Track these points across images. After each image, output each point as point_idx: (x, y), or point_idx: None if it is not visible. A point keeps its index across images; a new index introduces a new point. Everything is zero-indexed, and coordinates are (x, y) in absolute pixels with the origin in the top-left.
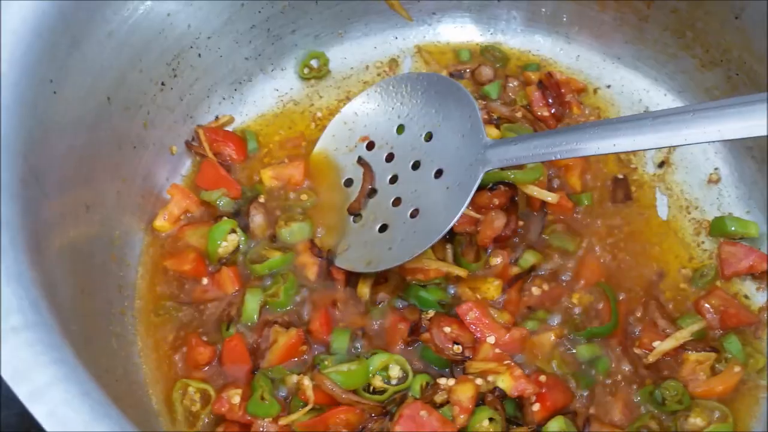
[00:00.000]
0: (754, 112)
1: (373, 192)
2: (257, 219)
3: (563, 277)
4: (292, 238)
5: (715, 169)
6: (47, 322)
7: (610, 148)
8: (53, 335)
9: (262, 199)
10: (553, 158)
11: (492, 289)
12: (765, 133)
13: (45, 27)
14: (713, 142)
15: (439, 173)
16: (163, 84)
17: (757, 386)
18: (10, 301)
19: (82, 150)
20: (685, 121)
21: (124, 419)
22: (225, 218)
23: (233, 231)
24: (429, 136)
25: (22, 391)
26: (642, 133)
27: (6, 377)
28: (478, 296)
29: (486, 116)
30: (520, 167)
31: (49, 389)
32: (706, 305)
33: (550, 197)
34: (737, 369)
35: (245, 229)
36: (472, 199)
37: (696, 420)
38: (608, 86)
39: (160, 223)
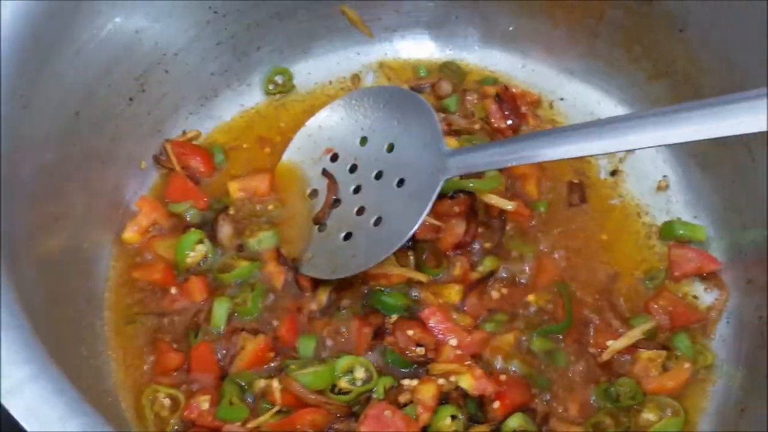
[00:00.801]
0: (693, 118)
1: (337, 202)
2: (225, 229)
3: (521, 280)
4: (259, 247)
5: (664, 176)
6: (22, 324)
7: (562, 154)
8: (28, 335)
9: (230, 211)
10: (509, 165)
11: (453, 293)
12: (702, 137)
13: (16, 43)
14: (657, 146)
15: (401, 182)
16: (131, 99)
17: (706, 381)
18: None
19: (52, 163)
20: (631, 127)
21: (98, 415)
22: (193, 229)
23: (200, 241)
24: (391, 147)
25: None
26: (590, 140)
27: None
28: (440, 301)
29: (446, 128)
30: (479, 176)
31: (25, 386)
32: (656, 306)
33: (509, 206)
34: (687, 365)
35: (213, 239)
36: (433, 207)
37: (649, 415)
38: (562, 99)
39: (129, 234)
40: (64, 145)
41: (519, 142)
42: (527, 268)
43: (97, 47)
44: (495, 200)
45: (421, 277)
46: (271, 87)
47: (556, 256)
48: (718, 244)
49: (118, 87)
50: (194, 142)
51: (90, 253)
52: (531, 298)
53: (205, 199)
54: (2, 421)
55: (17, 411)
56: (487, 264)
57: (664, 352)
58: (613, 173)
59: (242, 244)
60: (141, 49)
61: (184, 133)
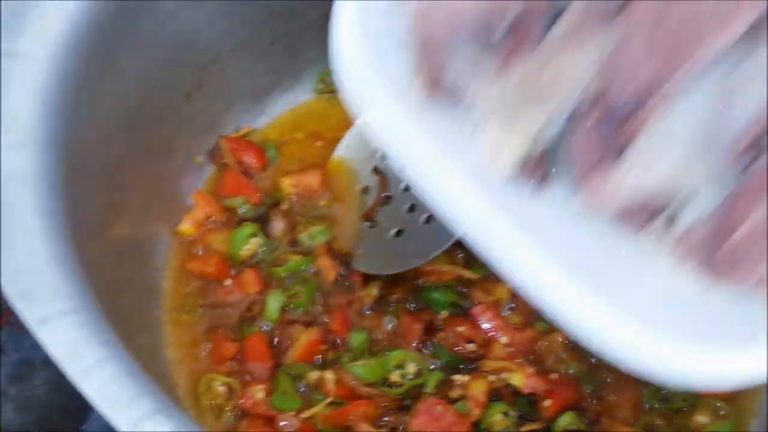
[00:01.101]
0: None
1: (388, 199)
2: (277, 224)
3: None
4: (311, 242)
5: None
6: (93, 307)
7: None
8: (99, 319)
9: (283, 206)
10: None
11: (503, 291)
12: None
13: (84, 40)
14: None
15: None
16: (188, 95)
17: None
18: (58, 286)
19: (115, 155)
20: None
21: (164, 397)
22: (246, 223)
23: (254, 235)
24: None
25: (74, 370)
26: None
27: (58, 357)
28: (490, 298)
29: None
30: None
31: (97, 368)
32: None
33: None
34: None
35: (266, 233)
36: None
37: (701, 417)
38: None
39: (185, 227)
40: (127, 138)
41: None
42: None
43: (159, 44)
44: None
45: (471, 274)
46: (322, 86)
47: None
48: None
49: (176, 83)
50: (247, 138)
51: (148, 244)
52: None
53: (258, 195)
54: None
55: (91, 392)
56: None
57: None
58: None
59: (295, 238)
60: (199, 46)
61: (236, 129)
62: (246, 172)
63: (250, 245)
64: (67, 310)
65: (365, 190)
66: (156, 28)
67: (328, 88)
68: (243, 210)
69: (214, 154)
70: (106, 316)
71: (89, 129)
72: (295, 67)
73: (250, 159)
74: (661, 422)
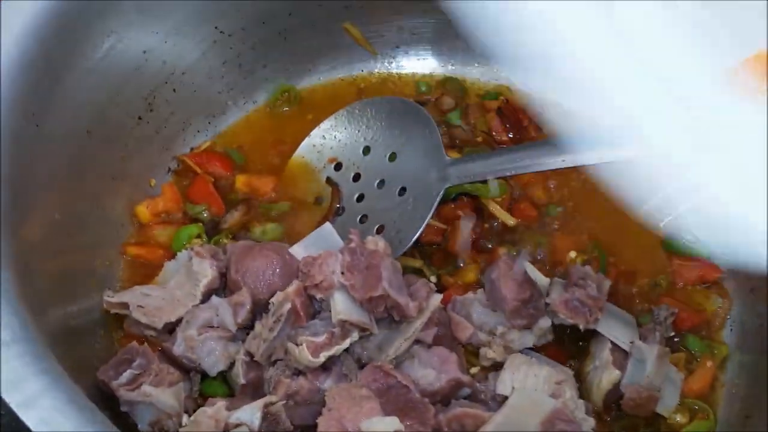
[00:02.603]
0: None
1: (341, 210)
2: (235, 214)
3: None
4: (263, 237)
5: None
6: (34, 337)
7: (560, 163)
8: (40, 347)
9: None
10: (509, 174)
11: (470, 273)
12: None
13: (27, 62)
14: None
15: (403, 191)
16: (140, 118)
17: (733, 384)
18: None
19: (64, 181)
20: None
21: (110, 425)
22: (196, 224)
23: (198, 236)
24: (393, 157)
25: (14, 400)
26: (589, 149)
27: None
28: (459, 282)
29: (448, 141)
30: (483, 182)
31: (39, 397)
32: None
33: (511, 221)
34: (709, 364)
35: (213, 233)
36: (438, 211)
37: (678, 417)
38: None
39: (142, 209)
40: (77, 163)
41: (518, 151)
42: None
43: (107, 66)
44: (498, 213)
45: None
46: (277, 103)
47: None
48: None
49: (127, 106)
50: (209, 150)
51: (100, 266)
52: (572, 254)
53: (222, 207)
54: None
55: (32, 421)
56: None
57: (683, 354)
58: None
59: (247, 229)
60: (149, 68)
61: (194, 148)
62: (216, 182)
63: (193, 245)
64: (8, 341)
65: (318, 201)
66: (104, 51)
67: (284, 105)
68: (203, 216)
69: (179, 173)
70: (51, 342)
71: (36, 155)
72: (249, 85)
73: (217, 168)
74: (640, 422)
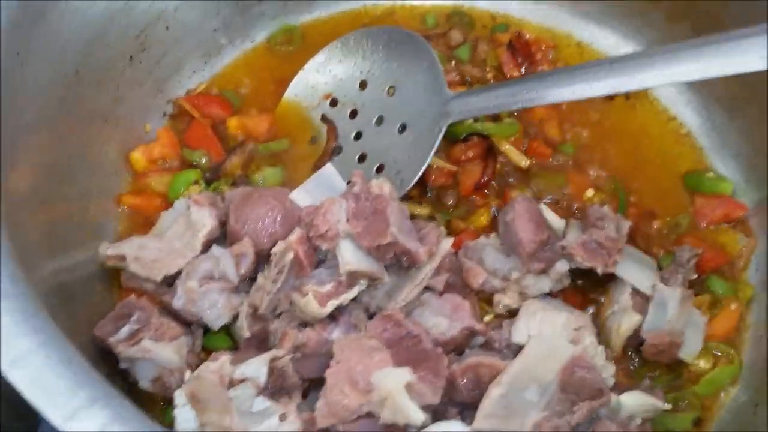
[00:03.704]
0: (703, 54)
1: (338, 149)
2: (234, 159)
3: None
4: (263, 183)
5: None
6: (25, 293)
7: (569, 95)
8: (32, 304)
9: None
10: (514, 107)
11: (482, 217)
12: (712, 75)
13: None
14: (672, 84)
15: (403, 128)
16: (131, 58)
17: (759, 326)
18: None
19: (53, 123)
20: (641, 64)
21: (107, 384)
22: (193, 169)
23: (196, 182)
24: (392, 91)
25: (2, 359)
26: (599, 79)
27: None
28: (471, 226)
29: (458, 78)
30: (494, 120)
31: (29, 356)
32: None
33: (524, 162)
34: (734, 306)
35: (218, 174)
36: (447, 152)
37: (701, 362)
38: (578, 44)
39: (137, 156)
40: (65, 105)
41: (524, 83)
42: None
43: (94, 3)
44: (511, 153)
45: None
46: (276, 42)
47: (589, 172)
48: (745, 189)
49: (117, 45)
50: (206, 92)
51: (95, 217)
52: (590, 192)
53: (222, 152)
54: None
55: (21, 381)
56: (516, 194)
57: (707, 297)
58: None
59: (246, 176)
60: (138, 5)
61: (190, 91)
62: (214, 126)
63: (191, 192)
64: None
65: (314, 140)
66: None
67: (283, 45)
68: (201, 162)
69: (175, 117)
70: (45, 298)
71: (22, 97)
72: (245, 23)
73: (216, 110)
74: (663, 368)
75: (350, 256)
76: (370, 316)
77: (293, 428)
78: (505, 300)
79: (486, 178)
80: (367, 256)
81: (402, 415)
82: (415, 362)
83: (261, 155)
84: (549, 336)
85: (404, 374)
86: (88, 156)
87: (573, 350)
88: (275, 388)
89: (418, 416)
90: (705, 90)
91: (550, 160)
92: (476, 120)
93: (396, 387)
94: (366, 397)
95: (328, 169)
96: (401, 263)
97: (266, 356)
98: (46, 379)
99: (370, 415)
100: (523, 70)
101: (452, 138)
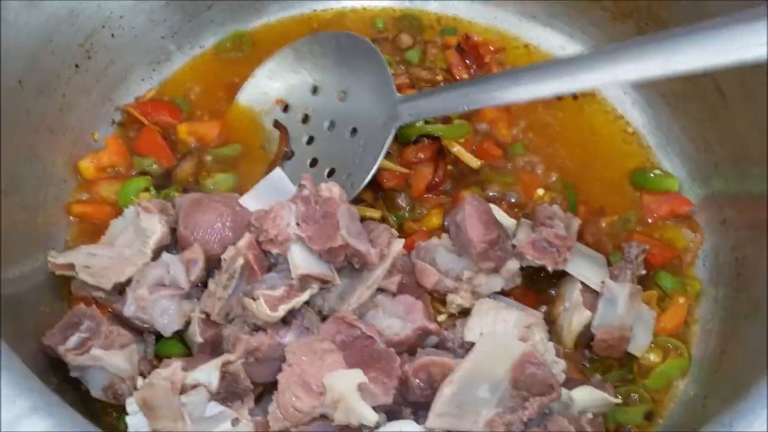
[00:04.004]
0: (646, 53)
1: (290, 154)
2: (186, 165)
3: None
4: (215, 188)
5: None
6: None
7: (514, 96)
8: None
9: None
10: (461, 109)
11: (434, 218)
12: (655, 75)
13: None
14: (618, 84)
15: (354, 131)
16: (77, 66)
17: (707, 319)
18: None
19: None
20: (584, 65)
21: (48, 392)
22: (143, 176)
23: (147, 189)
24: (343, 96)
25: None
26: (544, 81)
27: None
28: (424, 228)
29: (408, 81)
30: (445, 122)
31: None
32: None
33: (474, 163)
34: (681, 300)
35: (170, 180)
36: (399, 154)
37: (651, 356)
38: (525, 45)
39: (86, 165)
40: (9, 115)
41: (471, 85)
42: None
43: (37, 12)
44: (462, 155)
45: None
46: (225, 48)
47: (539, 171)
48: (690, 186)
49: (62, 53)
50: (156, 99)
51: (44, 226)
52: (540, 192)
53: (172, 158)
54: None
55: None
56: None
57: (655, 292)
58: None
59: (198, 182)
60: (83, 12)
61: (139, 97)
62: (164, 133)
63: (141, 199)
64: None
65: (265, 145)
66: None
67: (233, 51)
68: (152, 169)
69: (124, 124)
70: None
71: None
72: (194, 29)
73: (165, 117)
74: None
75: (301, 260)
76: (323, 319)
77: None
78: (457, 300)
79: (437, 180)
80: (318, 259)
81: (355, 415)
82: (368, 363)
83: (212, 161)
84: (499, 334)
85: (356, 375)
86: (36, 165)
87: (523, 347)
88: (228, 393)
89: (371, 417)
90: (650, 89)
91: (502, 160)
92: (427, 122)
93: (348, 388)
94: (318, 399)
95: (277, 173)
96: (353, 265)
97: (218, 361)
98: None
99: (324, 417)
100: (472, 72)
101: (404, 140)
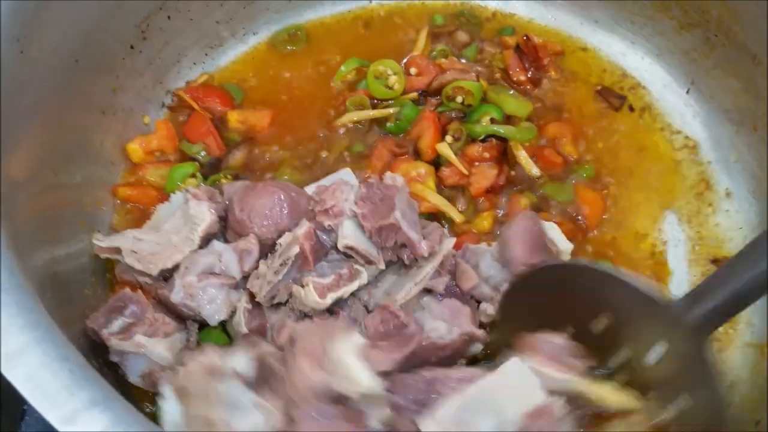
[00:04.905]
0: None
1: None
2: (237, 155)
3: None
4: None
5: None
6: (22, 285)
7: None
8: (29, 298)
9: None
10: None
11: (485, 222)
12: None
13: None
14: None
15: None
16: (132, 47)
17: None
18: None
19: (50, 113)
20: None
21: (104, 383)
22: (191, 162)
23: (193, 175)
24: None
25: None
26: None
27: None
28: (474, 230)
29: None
30: (511, 123)
31: (25, 352)
32: None
33: (534, 170)
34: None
35: (210, 173)
36: (463, 151)
37: None
38: (584, 49)
39: (134, 147)
40: (63, 93)
41: None
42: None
43: None
44: (524, 161)
45: (457, 215)
46: (280, 41)
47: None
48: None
49: (118, 33)
50: (207, 84)
51: (90, 207)
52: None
53: (222, 147)
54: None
55: (17, 379)
56: (524, 201)
57: None
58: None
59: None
60: None
61: (190, 82)
62: (214, 119)
63: (187, 185)
64: None
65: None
66: None
67: (287, 41)
68: (200, 156)
69: (174, 109)
70: (40, 291)
71: (20, 84)
72: (248, 15)
73: (216, 104)
74: None
75: (350, 232)
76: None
77: (276, 421)
78: (489, 309)
79: (500, 183)
80: (368, 239)
81: (352, 379)
82: (388, 337)
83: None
84: (527, 374)
85: (355, 338)
86: (85, 146)
87: (544, 399)
88: (262, 382)
89: (368, 381)
90: (714, 102)
91: (563, 174)
92: (493, 120)
93: (345, 348)
94: (323, 370)
95: (345, 172)
96: (403, 261)
97: (255, 350)
98: (43, 378)
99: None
100: (529, 74)
101: (470, 138)
